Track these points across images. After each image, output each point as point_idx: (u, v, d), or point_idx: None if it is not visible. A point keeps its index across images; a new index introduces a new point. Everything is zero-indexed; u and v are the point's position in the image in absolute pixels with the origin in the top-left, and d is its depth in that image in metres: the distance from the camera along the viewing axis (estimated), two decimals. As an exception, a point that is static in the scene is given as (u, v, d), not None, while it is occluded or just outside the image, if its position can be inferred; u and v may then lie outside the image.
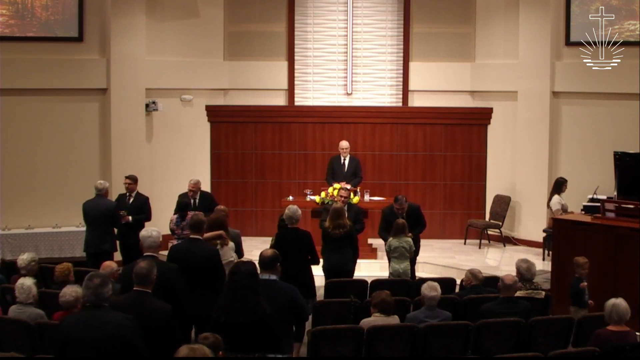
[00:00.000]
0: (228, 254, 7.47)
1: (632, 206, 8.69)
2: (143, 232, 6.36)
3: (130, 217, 10.01)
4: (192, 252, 6.78)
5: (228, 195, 12.94)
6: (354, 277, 8.80)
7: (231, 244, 7.64)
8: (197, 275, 6.57)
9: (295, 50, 13.10)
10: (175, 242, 8.84)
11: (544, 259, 11.42)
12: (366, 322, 6.24)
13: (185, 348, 3.99)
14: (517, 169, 12.69)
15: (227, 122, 13.18)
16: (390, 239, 8.94)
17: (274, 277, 5.79)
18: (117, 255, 10.06)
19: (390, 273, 8.93)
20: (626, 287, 7.90)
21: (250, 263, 5.43)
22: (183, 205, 9.49)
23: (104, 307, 4.64)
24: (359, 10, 13.07)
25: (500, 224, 12.46)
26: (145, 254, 6.21)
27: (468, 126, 13.12)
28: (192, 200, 10.21)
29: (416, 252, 9.50)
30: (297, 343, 6.79)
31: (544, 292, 7.22)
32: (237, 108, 13.16)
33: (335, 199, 10.23)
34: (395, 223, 8.97)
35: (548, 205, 11.57)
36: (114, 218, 9.79)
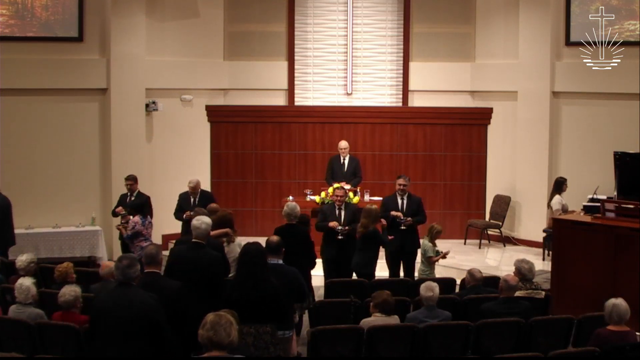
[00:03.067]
0: (235, 250, 7.58)
1: (632, 206, 8.68)
2: (194, 222, 6.62)
3: (131, 217, 10.01)
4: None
5: (228, 195, 12.94)
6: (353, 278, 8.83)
7: (237, 241, 7.79)
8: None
9: (295, 50, 13.10)
10: (144, 244, 9.13)
11: (544, 259, 11.41)
12: (366, 322, 6.25)
13: (211, 315, 4.33)
14: (517, 169, 12.69)
15: (227, 122, 13.18)
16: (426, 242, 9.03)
17: (280, 261, 6.42)
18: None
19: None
20: (626, 287, 7.89)
21: (258, 243, 5.99)
22: (139, 206, 9.61)
23: (131, 286, 5.07)
24: (359, 10, 13.06)
25: (500, 224, 12.45)
26: (193, 240, 6.55)
27: (468, 126, 13.12)
28: (192, 199, 10.27)
29: (415, 253, 9.51)
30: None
31: (544, 292, 7.23)
32: (237, 108, 13.15)
33: (332, 198, 10.21)
34: (431, 227, 9.05)
35: (548, 205, 11.57)
36: None
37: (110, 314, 4.95)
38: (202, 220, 6.62)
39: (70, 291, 6.15)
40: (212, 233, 7.45)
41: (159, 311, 5.01)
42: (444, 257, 9.07)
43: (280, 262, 6.43)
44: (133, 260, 5.12)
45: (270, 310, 5.69)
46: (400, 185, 9.43)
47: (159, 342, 4.97)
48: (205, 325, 4.26)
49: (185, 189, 10.46)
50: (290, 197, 11.67)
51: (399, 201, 9.42)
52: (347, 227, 9.07)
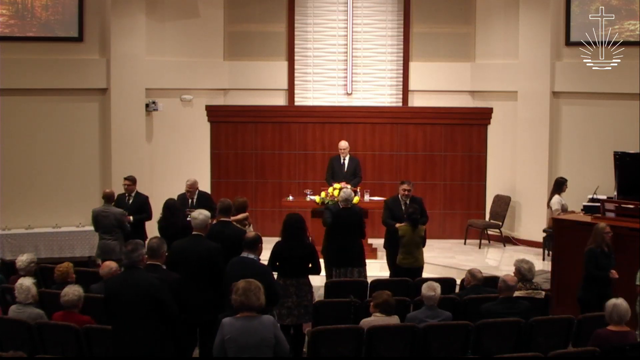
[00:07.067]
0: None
1: (632, 206, 8.68)
2: (194, 213, 6.99)
3: (131, 217, 10.02)
4: (224, 233, 7.24)
5: (228, 195, 12.77)
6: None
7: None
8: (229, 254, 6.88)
9: (295, 50, 13.09)
10: None
11: (544, 259, 11.41)
12: (366, 322, 6.24)
13: (242, 281, 4.95)
14: (517, 169, 12.69)
15: (227, 122, 13.17)
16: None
17: (252, 256, 6.45)
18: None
19: None
20: (626, 287, 7.88)
21: (298, 214, 7.50)
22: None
23: (137, 269, 5.45)
24: (359, 10, 13.06)
25: (500, 224, 12.45)
26: (193, 232, 6.81)
27: (468, 126, 13.11)
28: (189, 200, 10.22)
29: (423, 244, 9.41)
30: None
31: (544, 292, 7.22)
32: (237, 108, 13.15)
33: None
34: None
35: (548, 205, 11.56)
36: None
37: (119, 296, 5.35)
38: (199, 211, 6.93)
39: (73, 291, 6.15)
40: (234, 218, 8.06)
41: (163, 290, 5.36)
42: None
43: (252, 256, 6.42)
44: (137, 245, 5.49)
45: (307, 265, 7.13)
46: (404, 190, 9.53)
47: (164, 318, 5.35)
48: (238, 291, 4.89)
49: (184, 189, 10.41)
50: (290, 197, 11.74)
51: (403, 206, 9.48)
52: None
